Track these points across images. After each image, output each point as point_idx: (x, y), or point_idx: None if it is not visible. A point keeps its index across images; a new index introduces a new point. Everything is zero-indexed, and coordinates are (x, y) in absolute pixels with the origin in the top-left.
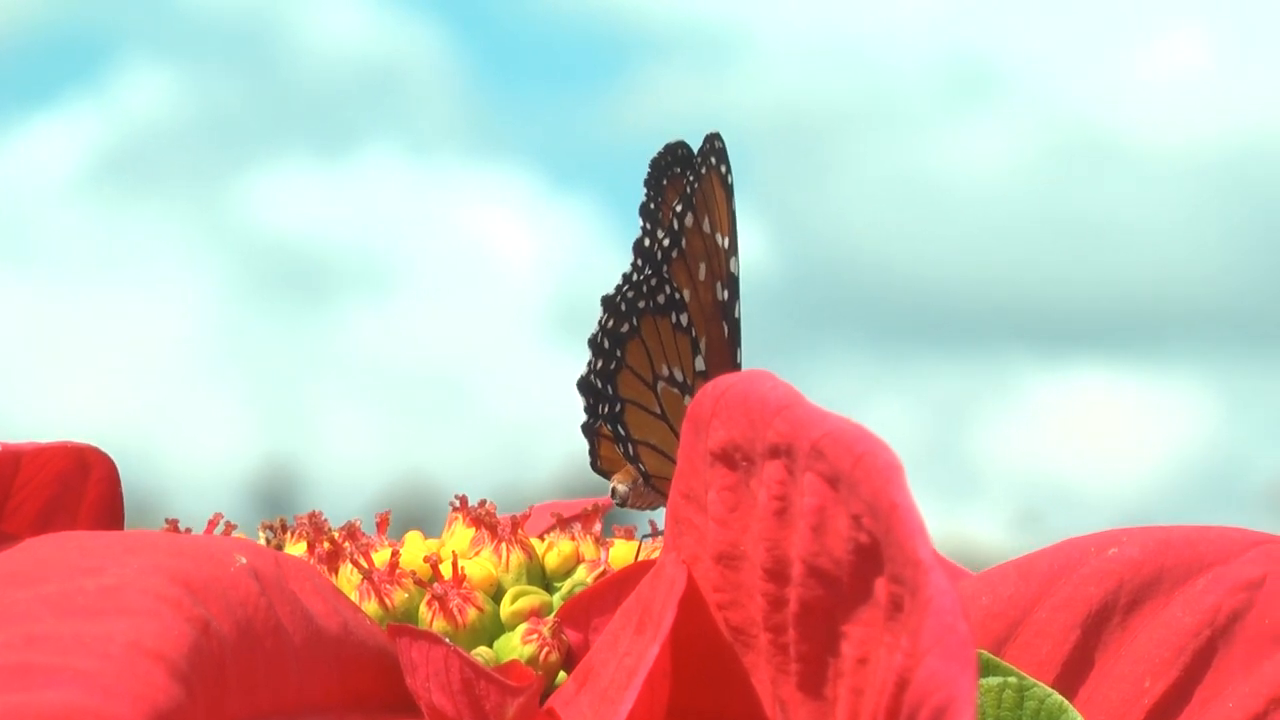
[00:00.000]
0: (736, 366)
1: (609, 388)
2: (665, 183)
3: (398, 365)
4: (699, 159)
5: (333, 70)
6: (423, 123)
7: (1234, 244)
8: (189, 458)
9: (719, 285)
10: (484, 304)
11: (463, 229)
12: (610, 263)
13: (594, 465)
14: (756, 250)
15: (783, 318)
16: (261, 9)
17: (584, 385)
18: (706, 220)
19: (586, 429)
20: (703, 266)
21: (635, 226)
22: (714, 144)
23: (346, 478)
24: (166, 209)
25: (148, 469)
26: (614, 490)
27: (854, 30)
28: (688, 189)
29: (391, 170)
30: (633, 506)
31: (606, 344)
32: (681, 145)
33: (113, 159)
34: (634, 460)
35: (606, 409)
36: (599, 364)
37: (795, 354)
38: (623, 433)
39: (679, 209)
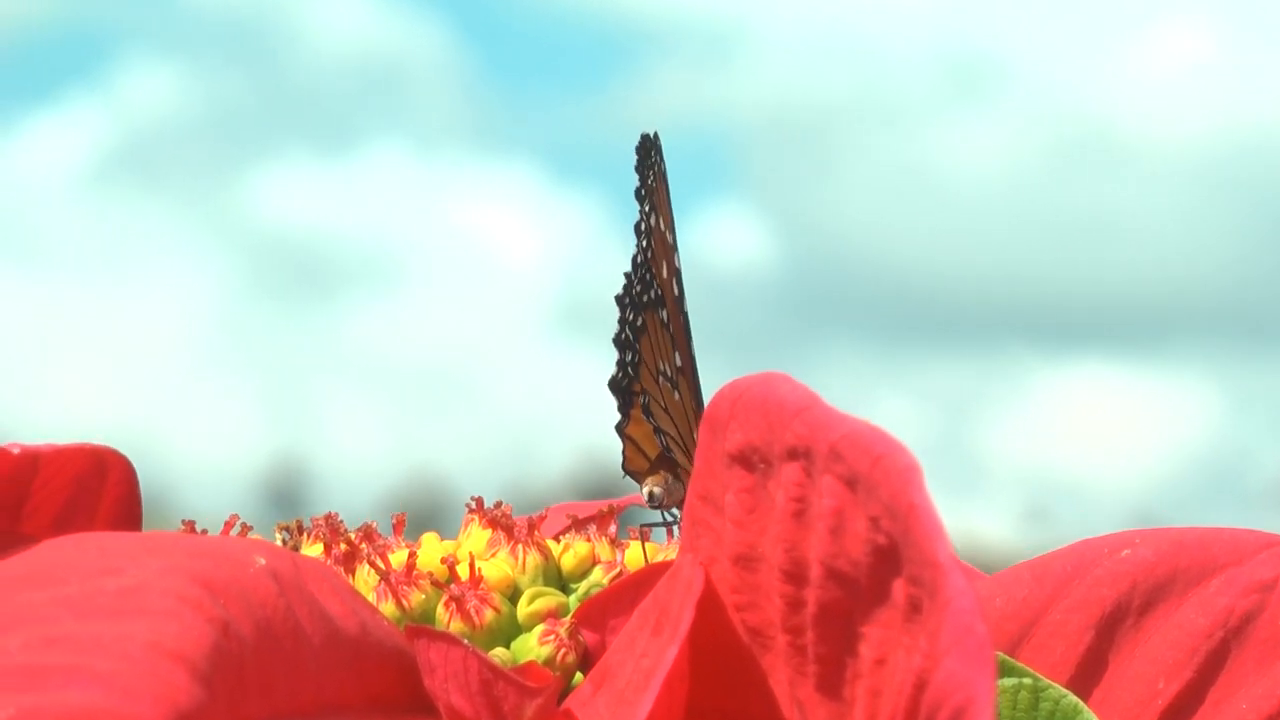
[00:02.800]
0: (693, 361)
1: (636, 383)
2: (651, 170)
3: (403, 360)
4: (651, 157)
5: (337, 67)
6: (427, 119)
7: (1239, 240)
8: (198, 454)
9: (674, 281)
10: (489, 299)
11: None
12: (614, 258)
13: (624, 466)
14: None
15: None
16: (266, 6)
17: (614, 385)
18: (660, 219)
19: (620, 430)
20: (663, 264)
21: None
22: (655, 140)
23: (355, 474)
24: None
25: (156, 465)
26: (650, 494)
27: (855, 25)
28: (643, 189)
29: (397, 166)
30: (667, 507)
31: (628, 339)
32: (652, 136)
33: (118, 156)
34: (668, 452)
35: (639, 404)
36: (626, 360)
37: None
38: (657, 425)
39: (646, 209)
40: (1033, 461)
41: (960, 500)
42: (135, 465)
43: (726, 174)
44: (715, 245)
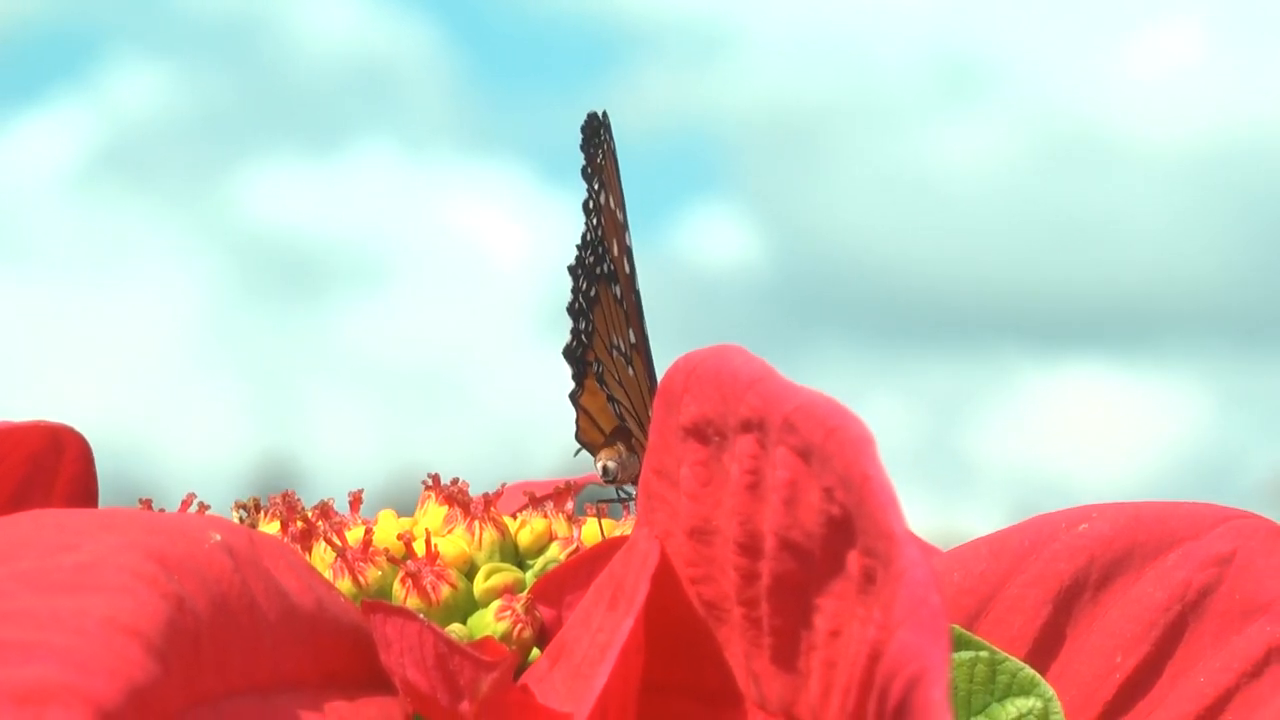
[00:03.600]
0: (646, 339)
1: (589, 352)
2: (600, 149)
3: (392, 359)
4: (599, 136)
5: (325, 66)
6: (415, 118)
7: (1228, 240)
8: (185, 453)
9: (625, 259)
10: (477, 298)
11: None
12: None
13: (577, 435)
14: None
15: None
16: (254, 6)
17: (568, 353)
18: (610, 197)
19: (573, 398)
20: (614, 242)
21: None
22: (605, 119)
23: (344, 473)
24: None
25: (144, 464)
26: (605, 468)
27: (845, 26)
28: (590, 168)
29: (384, 166)
30: (622, 482)
31: (582, 308)
32: (600, 115)
33: (105, 156)
34: (623, 422)
35: (593, 373)
36: (580, 329)
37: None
38: (610, 395)
39: (595, 187)
40: (1022, 461)
41: (949, 499)
42: (124, 463)
43: (716, 174)
44: (705, 245)
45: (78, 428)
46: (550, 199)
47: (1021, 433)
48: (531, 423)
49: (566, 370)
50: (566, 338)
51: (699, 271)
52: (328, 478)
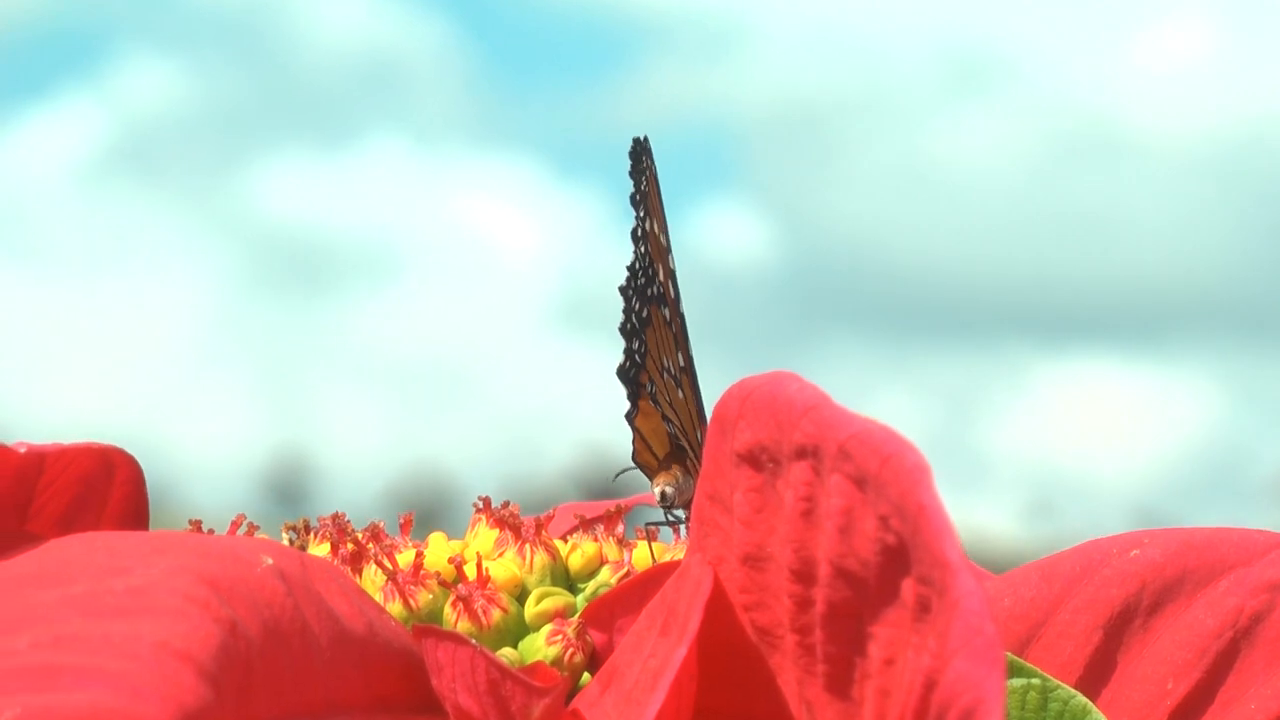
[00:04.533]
0: (692, 363)
1: (643, 374)
2: (644, 175)
3: (403, 355)
4: (643, 161)
5: (336, 61)
6: (426, 113)
7: (1239, 235)
8: (200, 449)
9: (670, 283)
10: (489, 293)
11: (467, 219)
12: (614, 253)
13: (633, 457)
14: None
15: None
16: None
17: (622, 373)
18: (655, 222)
19: (629, 419)
20: (660, 266)
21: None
22: (646, 144)
23: (358, 469)
24: (172, 201)
25: (159, 461)
26: (663, 494)
27: (857, 20)
28: (637, 194)
29: (396, 160)
30: (678, 506)
31: (635, 328)
32: (643, 140)
33: (116, 152)
34: (676, 442)
35: (647, 394)
36: (634, 349)
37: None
38: (663, 414)
39: (641, 214)
40: (1035, 456)
41: (964, 495)
42: (138, 459)
43: (728, 169)
44: (717, 241)
45: (92, 422)
46: (561, 193)
47: (1033, 426)
48: (541, 416)
49: (579, 366)
50: (619, 358)
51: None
52: (342, 472)
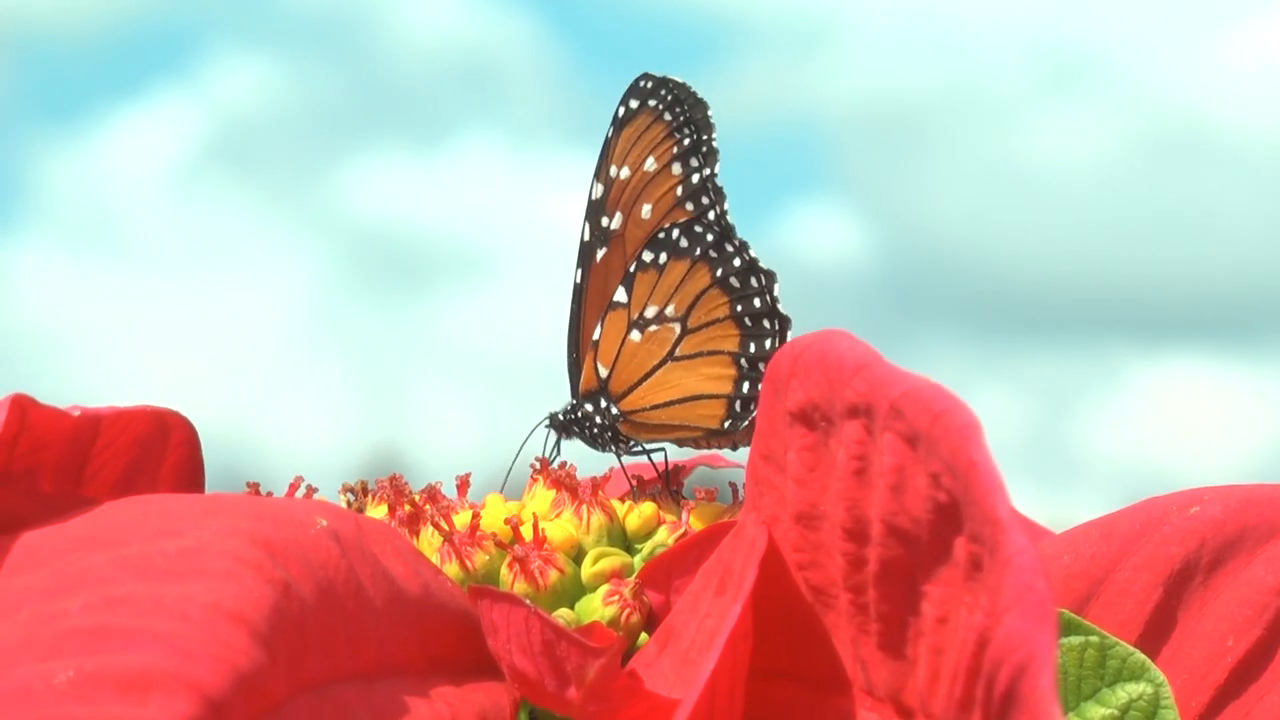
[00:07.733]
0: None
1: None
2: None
3: (496, 353)
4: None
5: (430, 60)
6: (519, 111)
7: None
8: (293, 445)
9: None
10: None
11: (559, 216)
12: None
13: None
14: (853, 242)
15: (882, 308)
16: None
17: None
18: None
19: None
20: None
21: (729, 211)
22: (642, 84)
23: (449, 465)
24: (266, 199)
25: (253, 456)
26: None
27: (947, 18)
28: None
29: (489, 159)
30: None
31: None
32: (644, 78)
33: (212, 150)
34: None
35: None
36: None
37: (895, 345)
38: None
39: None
40: (1128, 453)
41: (1057, 493)
42: (232, 456)
43: (819, 168)
44: (810, 241)
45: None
46: None
47: (1127, 425)
48: None
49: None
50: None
51: (803, 266)
52: (434, 470)
